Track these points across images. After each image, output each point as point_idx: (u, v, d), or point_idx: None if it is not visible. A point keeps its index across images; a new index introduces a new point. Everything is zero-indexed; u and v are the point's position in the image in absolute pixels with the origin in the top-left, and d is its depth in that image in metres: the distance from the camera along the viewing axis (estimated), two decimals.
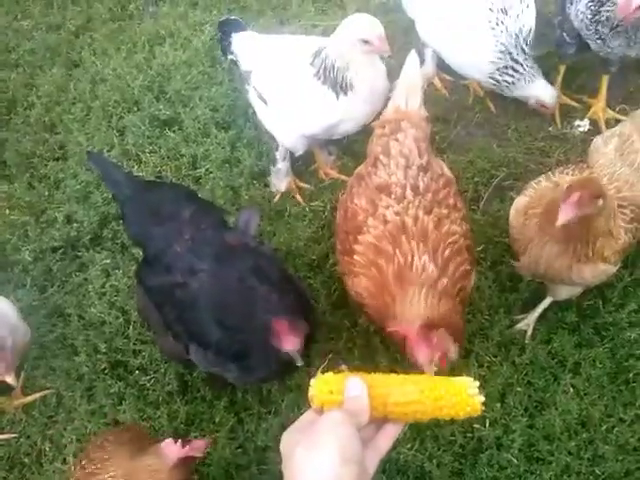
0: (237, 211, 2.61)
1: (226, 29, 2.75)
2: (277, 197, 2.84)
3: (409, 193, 2.05)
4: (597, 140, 2.36)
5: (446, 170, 2.24)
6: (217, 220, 2.24)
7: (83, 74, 3.30)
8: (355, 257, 2.05)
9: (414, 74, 2.26)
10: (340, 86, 2.39)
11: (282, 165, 2.79)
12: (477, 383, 1.17)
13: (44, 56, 3.40)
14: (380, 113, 2.36)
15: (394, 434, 1.17)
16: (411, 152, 2.13)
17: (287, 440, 1.10)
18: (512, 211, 2.25)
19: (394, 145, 2.15)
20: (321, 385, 1.14)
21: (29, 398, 2.39)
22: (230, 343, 1.99)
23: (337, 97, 2.42)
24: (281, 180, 2.82)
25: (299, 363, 1.88)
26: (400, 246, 1.96)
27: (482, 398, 1.16)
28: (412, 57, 2.29)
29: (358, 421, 1.08)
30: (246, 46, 2.70)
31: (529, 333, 2.43)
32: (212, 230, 2.14)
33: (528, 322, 2.45)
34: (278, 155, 2.76)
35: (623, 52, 2.62)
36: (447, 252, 1.98)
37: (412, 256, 1.95)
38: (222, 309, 1.99)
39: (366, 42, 2.29)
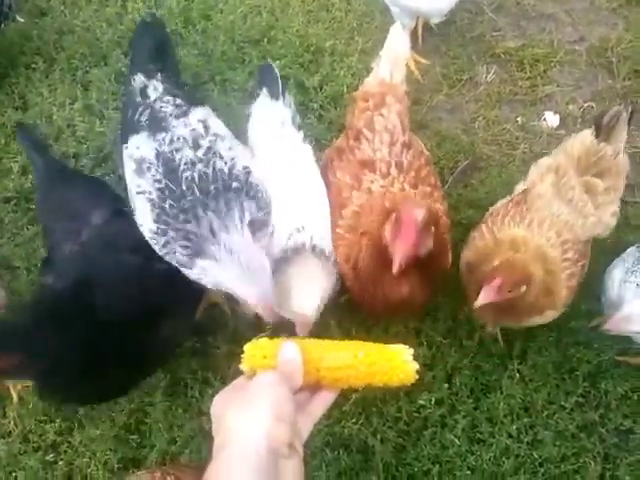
0: None
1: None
2: None
3: (394, 170, 2.04)
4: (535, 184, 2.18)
5: (424, 148, 2.24)
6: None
7: (50, 23, 3.18)
8: (337, 230, 2.02)
9: (399, 46, 2.22)
10: None
11: None
12: (412, 350, 1.16)
13: None
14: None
15: (328, 401, 1.16)
16: (395, 128, 2.12)
17: (218, 402, 1.08)
18: (461, 265, 2.17)
19: (378, 120, 2.13)
20: (255, 350, 1.13)
21: None
22: None
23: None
24: None
25: None
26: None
27: (416, 365, 1.15)
28: (396, 28, 2.24)
29: (292, 384, 1.07)
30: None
31: None
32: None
33: None
34: None
35: None
36: None
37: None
38: None
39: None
